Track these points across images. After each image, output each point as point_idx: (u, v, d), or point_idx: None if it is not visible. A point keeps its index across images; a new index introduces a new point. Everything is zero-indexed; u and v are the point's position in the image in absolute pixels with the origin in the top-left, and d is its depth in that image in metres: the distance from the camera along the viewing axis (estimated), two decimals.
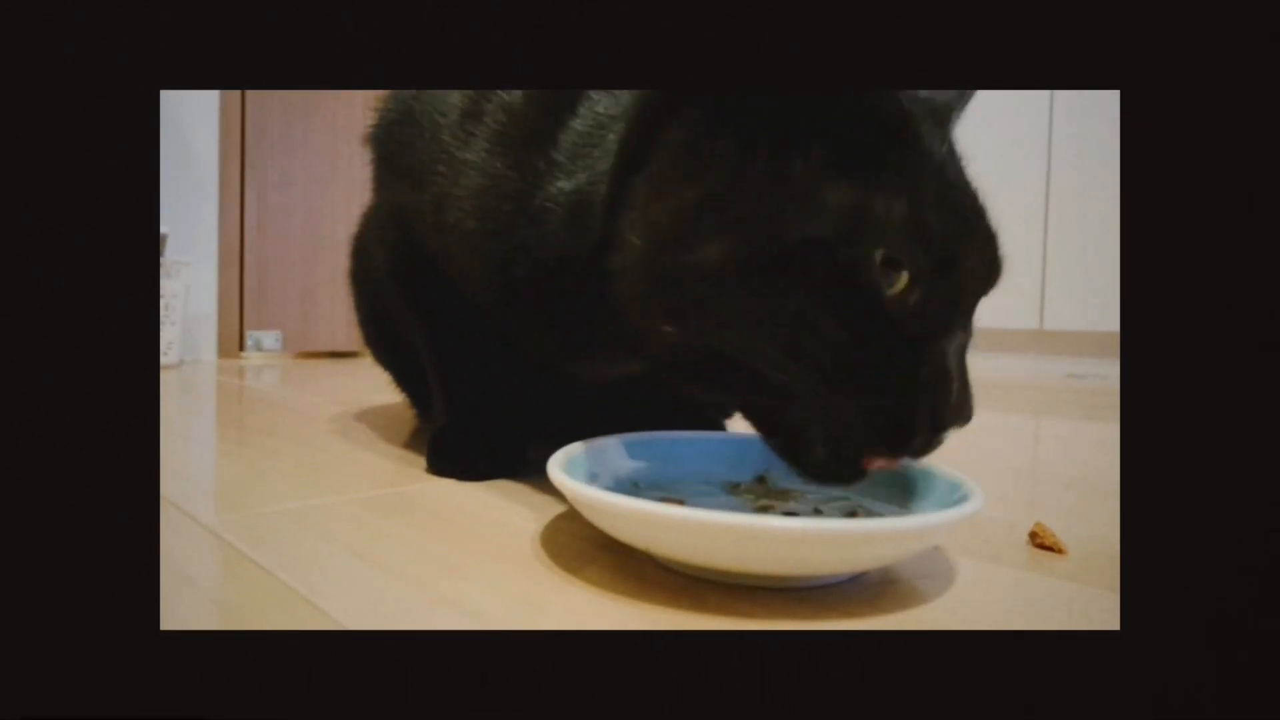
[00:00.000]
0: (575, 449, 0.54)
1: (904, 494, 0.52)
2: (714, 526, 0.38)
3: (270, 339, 2.27)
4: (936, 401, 0.42)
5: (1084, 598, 0.43)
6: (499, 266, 0.57)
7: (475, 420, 0.72)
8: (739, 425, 0.83)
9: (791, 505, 0.53)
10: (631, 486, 0.55)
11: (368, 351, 0.99)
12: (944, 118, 0.46)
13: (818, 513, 0.51)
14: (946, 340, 0.43)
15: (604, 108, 0.52)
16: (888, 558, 0.43)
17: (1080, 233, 2.82)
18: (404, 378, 0.96)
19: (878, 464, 0.45)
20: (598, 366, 0.62)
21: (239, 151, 2.19)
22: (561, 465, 0.49)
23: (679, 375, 0.51)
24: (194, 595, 0.42)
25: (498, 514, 0.57)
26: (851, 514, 0.51)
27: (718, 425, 0.83)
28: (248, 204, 2.21)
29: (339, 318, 2.36)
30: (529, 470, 0.68)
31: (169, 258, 1.87)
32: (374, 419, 1.04)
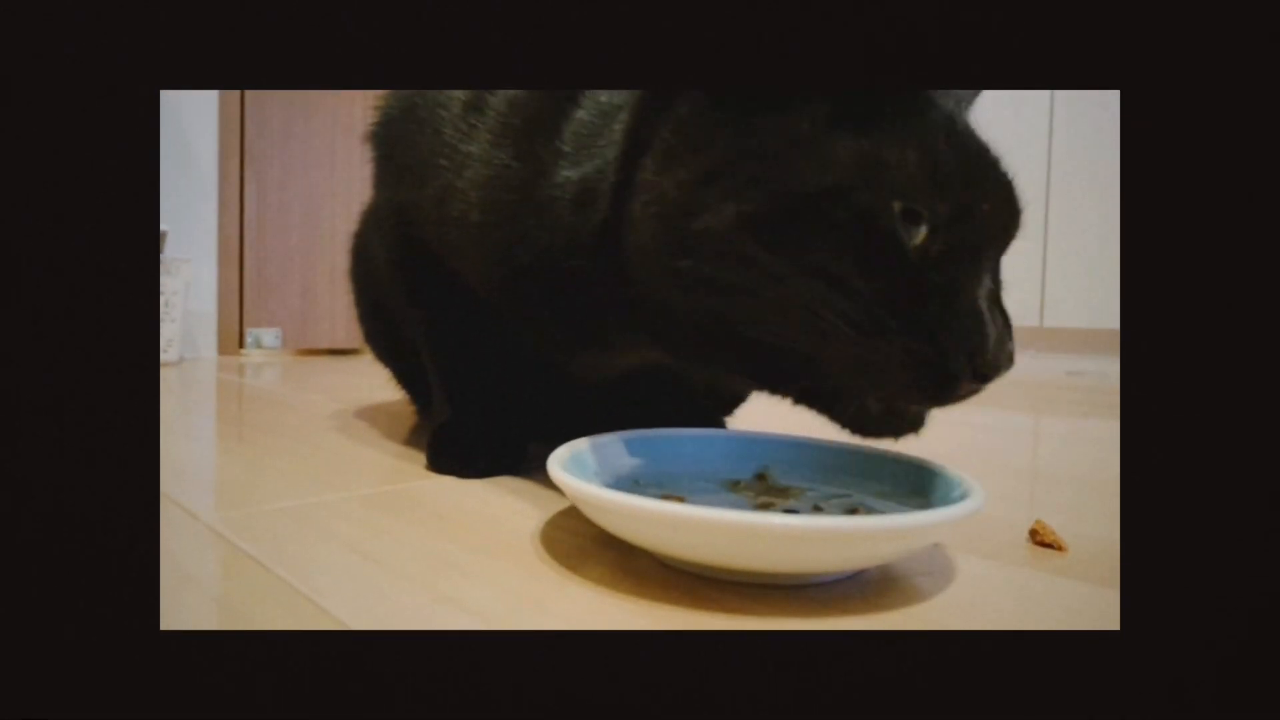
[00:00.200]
0: (575, 446, 0.54)
1: (904, 492, 0.52)
2: (714, 524, 0.38)
3: (270, 336, 2.27)
4: (975, 349, 0.41)
5: (1084, 595, 0.43)
6: (503, 258, 0.57)
7: (475, 417, 0.72)
8: (739, 423, 0.83)
9: (792, 503, 0.53)
10: (632, 484, 0.55)
11: (367, 349, 0.99)
12: None
13: (818, 510, 0.51)
14: (975, 288, 0.43)
15: (607, 96, 0.53)
16: (888, 555, 0.43)
17: (1080, 230, 2.82)
18: (404, 375, 0.96)
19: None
20: (602, 358, 0.62)
21: (239, 149, 2.19)
22: (562, 462, 0.49)
23: (697, 355, 0.51)
24: (194, 592, 0.42)
25: (498, 511, 0.57)
26: (852, 511, 0.51)
27: (718, 423, 0.83)
28: (247, 201, 2.21)
29: (339, 315, 2.36)
30: (529, 467, 0.68)
31: (169, 255, 1.87)
32: (374, 416, 1.04)
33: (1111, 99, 2.62)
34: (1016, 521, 0.56)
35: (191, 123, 2.08)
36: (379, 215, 0.76)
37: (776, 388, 0.49)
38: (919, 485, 0.51)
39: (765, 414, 0.88)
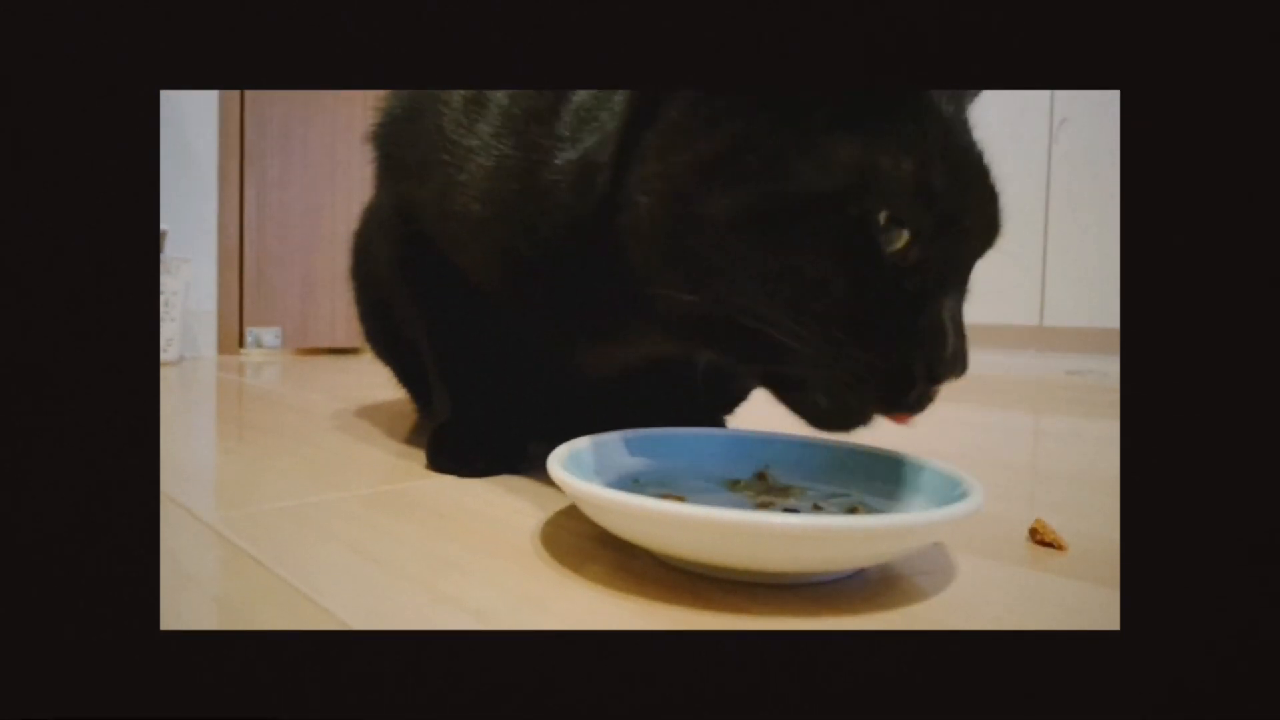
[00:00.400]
0: (575, 445, 0.54)
1: (904, 491, 0.52)
2: (714, 523, 0.38)
3: (270, 335, 2.27)
4: (931, 355, 0.43)
5: (1084, 594, 0.43)
6: (506, 250, 0.58)
7: (476, 417, 0.72)
8: (739, 423, 0.83)
9: (792, 502, 0.53)
10: (632, 483, 0.55)
11: (367, 348, 0.99)
12: None
13: (818, 509, 0.51)
14: (945, 296, 0.44)
15: None
16: (888, 554, 0.43)
17: (1080, 229, 2.82)
18: (404, 374, 0.96)
19: (900, 418, 0.46)
20: (606, 351, 0.63)
21: (238, 148, 2.19)
22: (562, 462, 0.49)
23: (692, 340, 0.52)
24: (194, 592, 0.42)
25: (498, 511, 0.57)
26: (852, 511, 0.51)
27: (718, 422, 0.83)
28: (247, 201, 2.21)
29: (339, 314, 2.36)
30: (529, 467, 0.68)
31: (169, 254, 1.87)
32: (374, 415, 1.04)
33: (1111, 99, 2.61)
34: (1016, 520, 0.56)
35: (191, 123, 2.08)
36: (381, 214, 0.76)
37: (747, 366, 0.51)
38: (919, 485, 0.51)
39: (765, 414, 0.88)
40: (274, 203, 2.27)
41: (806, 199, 0.42)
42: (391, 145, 0.70)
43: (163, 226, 1.83)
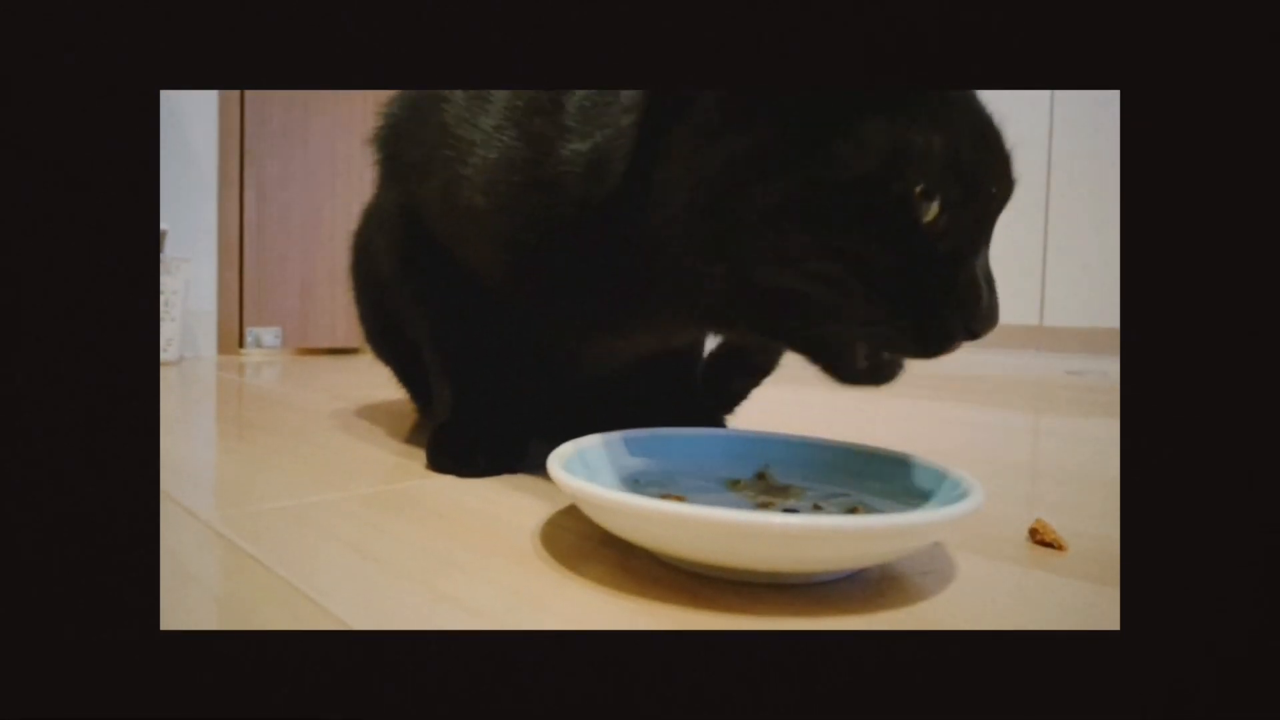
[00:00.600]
0: (575, 445, 0.54)
1: (904, 490, 0.52)
2: (714, 523, 0.38)
3: (270, 335, 2.27)
4: (970, 314, 0.47)
5: (1084, 594, 0.43)
6: (511, 242, 0.58)
7: (476, 416, 0.72)
8: (739, 423, 0.83)
9: (792, 502, 0.53)
10: (632, 483, 0.55)
11: (367, 348, 0.99)
12: None
13: (818, 509, 0.51)
14: (973, 256, 0.47)
15: None
16: (888, 554, 0.43)
17: (1080, 229, 2.82)
18: (404, 374, 0.96)
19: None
20: (611, 344, 0.63)
21: (238, 148, 2.19)
22: (561, 462, 0.49)
23: (731, 322, 0.54)
24: (194, 591, 0.42)
25: (498, 510, 0.57)
26: (852, 511, 0.51)
27: (718, 422, 0.83)
28: (247, 200, 2.21)
29: (339, 314, 2.35)
30: (529, 467, 0.68)
31: (169, 254, 1.87)
32: (374, 415, 1.04)
33: (1111, 99, 2.61)
34: (1016, 520, 0.56)
35: (191, 123, 2.08)
36: (384, 215, 0.76)
37: (785, 338, 0.53)
38: (919, 484, 0.51)
39: (765, 414, 0.88)
40: (274, 202, 2.27)
41: (849, 182, 0.44)
42: (394, 146, 0.70)
43: (163, 226, 1.83)
